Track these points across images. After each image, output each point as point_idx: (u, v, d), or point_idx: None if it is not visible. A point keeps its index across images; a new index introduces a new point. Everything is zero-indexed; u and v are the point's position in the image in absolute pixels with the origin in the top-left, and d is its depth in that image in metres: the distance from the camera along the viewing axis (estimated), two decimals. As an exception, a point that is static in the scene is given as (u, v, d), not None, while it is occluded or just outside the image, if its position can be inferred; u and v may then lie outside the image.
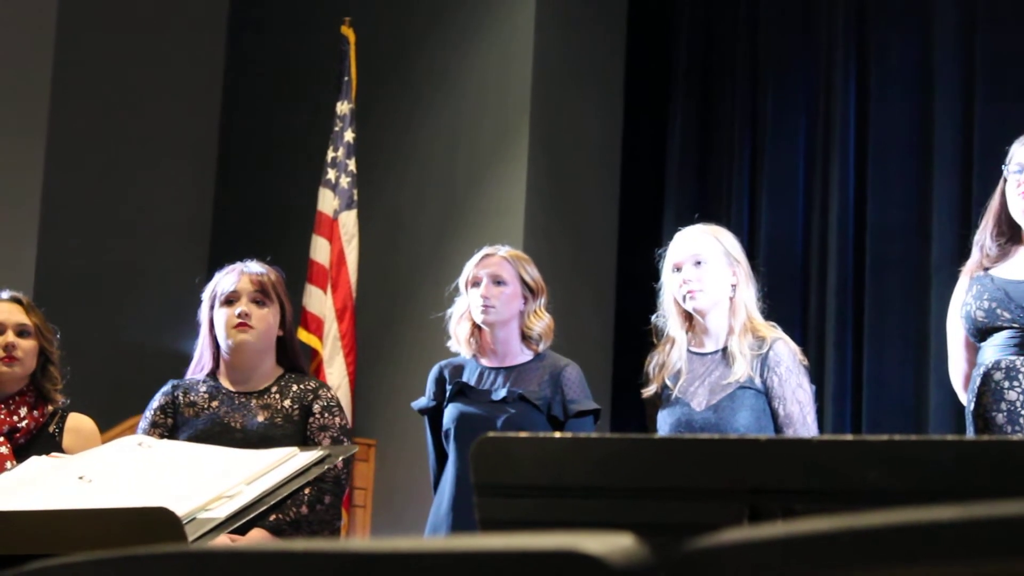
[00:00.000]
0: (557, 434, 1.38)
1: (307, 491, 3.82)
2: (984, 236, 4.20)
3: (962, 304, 4.17)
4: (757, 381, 4.16)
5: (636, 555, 0.79)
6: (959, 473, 1.25)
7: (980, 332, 4.09)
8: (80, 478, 2.78)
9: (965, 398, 4.16)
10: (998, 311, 4.05)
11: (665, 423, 4.24)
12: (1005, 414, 3.96)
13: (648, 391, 4.31)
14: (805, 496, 1.28)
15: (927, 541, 0.72)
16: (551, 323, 4.49)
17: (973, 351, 4.17)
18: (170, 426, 4.05)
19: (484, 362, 4.47)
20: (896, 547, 0.73)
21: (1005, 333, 4.03)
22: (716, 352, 4.25)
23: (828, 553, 0.75)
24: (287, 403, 4.04)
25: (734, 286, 4.26)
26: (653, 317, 4.39)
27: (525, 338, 4.47)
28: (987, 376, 4.01)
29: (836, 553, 0.75)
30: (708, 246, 4.27)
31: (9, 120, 7.23)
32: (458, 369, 4.48)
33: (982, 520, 0.71)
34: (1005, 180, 4.15)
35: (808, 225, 6.84)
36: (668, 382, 4.25)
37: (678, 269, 4.26)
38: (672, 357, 4.26)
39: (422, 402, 4.52)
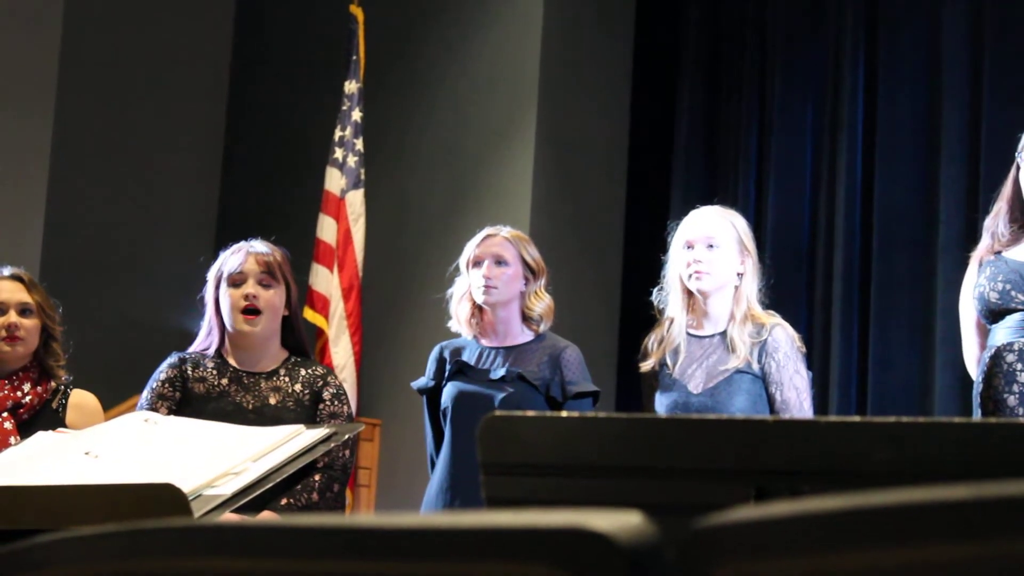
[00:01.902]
0: (564, 413, 1.38)
1: (317, 478, 3.84)
2: (996, 222, 4.20)
3: (975, 286, 4.17)
4: (755, 366, 4.17)
5: (643, 533, 0.79)
6: (965, 454, 1.25)
7: (992, 313, 4.09)
8: (86, 453, 2.79)
9: None
10: (1012, 292, 4.05)
11: (661, 405, 4.24)
12: (1017, 396, 3.96)
13: (646, 366, 4.31)
14: (812, 477, 1.28)
15: (934, 520, 0.72)
16: (552, 304, 4.49)
17: (985, 334, 4.17)
18: (178, 400, 4.03)
19: (485, 342, 4.47)
20: (902, 526, 0.73)
21: (1018, 315, 4.04)
22: (714, 336, 4.26)
23: (834, 532, 0.75)
24: (297, 387, 4.04)
25: (740, 275, 4.26)
26: (655, 291, 4.39)
27: (526, 319, 4.47)
28: (998, 358, 4.01)
29: (842, 532, 0.75)
30: (723, 230, 4.26)
31: (17, 98, 7.23)
32: (458, 350, 4.49)
33: (989, 499, 0.70)
34: (1018, 167, 4.15)
35: (815, 208, 6.83)
36: (667, 360, 4.26)
37: (689, 247, 4.25)
38: (672, 333, 4.27)
39: (422, 382, 4.53)
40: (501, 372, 4.36)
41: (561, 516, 0.80)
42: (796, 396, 4.18)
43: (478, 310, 4.47)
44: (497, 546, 0.82)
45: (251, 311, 4.03)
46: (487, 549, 0.82)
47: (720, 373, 4.19)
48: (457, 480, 4.30)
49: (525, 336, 4.47)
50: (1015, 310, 4.04)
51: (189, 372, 4.06)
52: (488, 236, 4.49)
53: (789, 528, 0.76)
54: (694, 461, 1.33)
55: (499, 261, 4.42)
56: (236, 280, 4.05)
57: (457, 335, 4.56)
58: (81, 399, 4.20)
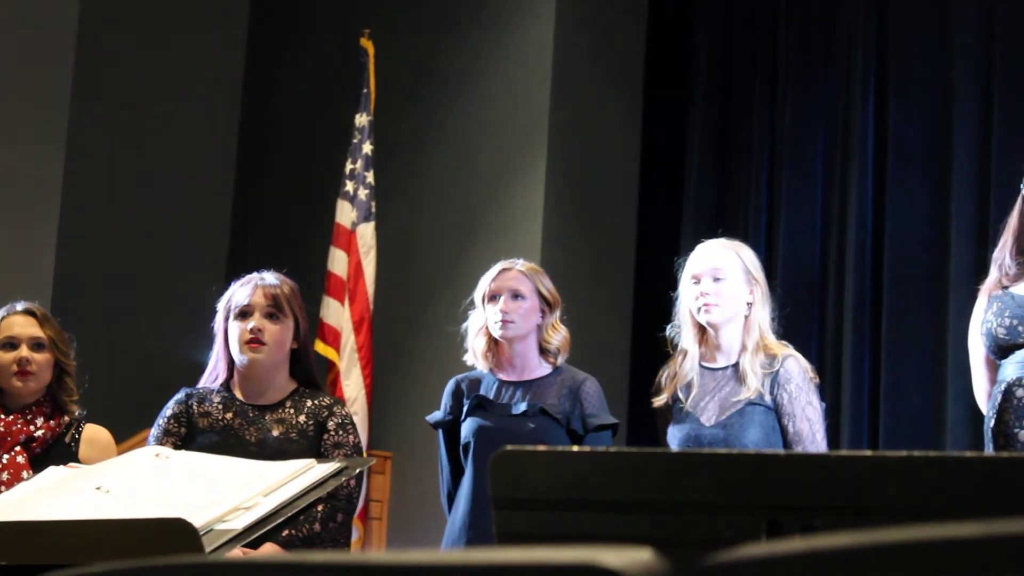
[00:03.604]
0: (575, 447, 1.37)
1: (320, 508, 3.80)
2: (1003, 255, 4.19)
3: (982, 322, 4.17)
4: (767, 398, 4.16)
5: (655, 569, 0.79)
6: (978, 489, 1.24)
7: (1001, 349, 4.08)
8: (98, 489, 2.79)
9: None
10: (1019, 328, 4.05)
11: (674, 438, 4.24)
12: None
13: (659, 401, 4.31)
14: (823, 512, 1.28)
15: (944, 558, 0.72)
16: (568, 336, 4.48)
17: (994, 368, 4.16)
18: (183, 435, 4.03)
19: (501, 376, 4.45)
20: (913, 563, 0.73)
21: None
22: (727, 368, 4.25)
23: (844, 569, 0.75)
24: (302, 419, 4.02)
25: (750, 304, 4.26)
26: (667, 328, 4.39)
27: (543, 351, 4.46)
28: (1009, 392, 4.00)
29: (852, 569, 0.75)
30: (729, 261, 4.26)
31: (28, 129, 7.26)
32: (475, 383, 4.47)
33: (1000, 537, 0.70)
34: (1023, 199, 4.15)
35: (826, 239, 6.83)
36: (680, 394, 4.25)
37: (696, 281, 4.25)
38: (684, 368, 4.26)
39: (437, 416, 4.50)
40: (523, 407, 4.34)
41: (572, 553, 0.80)
42: (809, 428, 4.17)
43: (494, 344, 4.46)
44: (509, 583, 0.82)
45: (255, 342, 4.03)
46: (499, 586, 0.82)
47: (733, 405, 4.18)
48: (480, 516, 4.26)
49: (543, 369, 4.45)
50: (1023, 345, 4.04)
51: (195, 407, 4.05)
52: (504, 270, 4.47)
53: (799, 565, 0.76)
54: (705, 496, 1.32)
55: (516, 295, 4.41)
56: (243, 313, 4.05)
57: (471, 368, 4.54)
58: (94, 434, 4.20)
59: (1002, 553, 0.70)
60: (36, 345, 4.17)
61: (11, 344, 4.16)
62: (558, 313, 4.48)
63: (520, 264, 4.49)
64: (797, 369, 4.21)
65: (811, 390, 4.22)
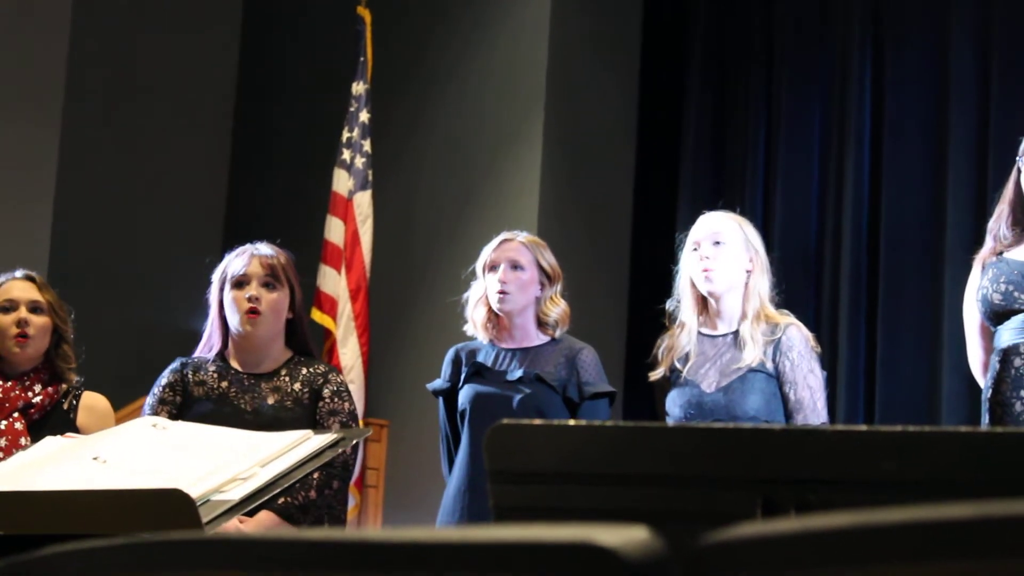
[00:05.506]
0: (571, 422, 1.37)
1: (316, 476, 3.81)
2: (999, 225, 4.20)
3: (978, 288, 4.17)
4: (769, 365, 4.18)
5: (650, 548, 0.79)
6: (972, 463, 1.25)
7: (996, 315, 4.09)
8: (95, 459, 2.79)
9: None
10: (1015, 293, 4.05)
11: (675, 404, 4.25)
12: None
13: (656, 374, 4.32)
14: (818, 486, 1.29)
15: (939, 538, 0.72)
16: (567, 309, 4.48)
17: (989, 337, 4.16)
18: (179, 404, 4.04)
19: (501, 345, 4.46)
20: (908, 544, 0.73)
21: (1022, 316, 4.04)
22: (727, 335, 4.26)
23: (843, 549, 0.75)
24: (297, 386, 4.03)
25: (749, 272, 4.27)
26: (667, 303, 4.40)
27: (541, 324, 4.46)
28: (1006, 361, 4.00)
29: (851, 549, 0.75)
30: (729, 228, 4.29)
31: (24, 97, 7.24)
32: (474, 351, 4.48)
33: (995, 518, 0.71)
34: (1019, 170, 4.15)
35: (822, 211, 6.83)
36: (677, 364, 4.26)
37: (696, 248, 4.27)
38: (681, 340, 4.27)
39: (437, 384, 4.51)
40: (518, 373, 4.36)
41: (568, 531, 0.80)
42: (810, 395, 4.19)
43: (494, 314, 4.47)
44: (505, 561, 0.82)
45: (253, 312, 4.03)
46: (495, 564, 0.82)
47: (734, 371, 4.19)
48: (475, 482, 4.29)
49: (541, 340, 4.46)
50: (1019, 311, 4.04)
51: (190, 376, 4.06)
52: (505, 240, 4.48)
53: (795, 544, 0.76)
54: (701, 470, 1.33)
55: (515, 266, 4.41)
56: (239, 282, 4.05)
57: (470, 338, 4.55)
58: (92, 401, 4.22)
59: (994, 534, 0.70)
60: (34, 308, 4.19)
61: (10, 307, 4.18)
62: (558, 287, 4.48)
63: (522, 236, 4.50)
64: (799, 337, 4.23)
65: (813, 358, 4.24)
